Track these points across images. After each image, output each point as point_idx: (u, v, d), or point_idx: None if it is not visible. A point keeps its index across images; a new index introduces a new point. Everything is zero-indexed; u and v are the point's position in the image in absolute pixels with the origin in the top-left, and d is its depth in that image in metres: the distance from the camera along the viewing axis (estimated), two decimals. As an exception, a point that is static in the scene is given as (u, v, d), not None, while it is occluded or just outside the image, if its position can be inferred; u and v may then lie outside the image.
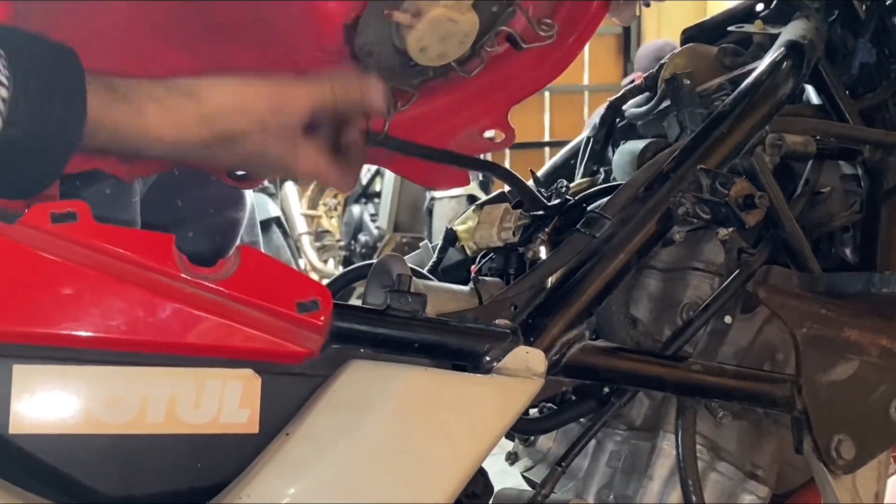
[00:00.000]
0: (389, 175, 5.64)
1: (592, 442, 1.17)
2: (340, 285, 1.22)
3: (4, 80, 0.79)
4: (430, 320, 0.91)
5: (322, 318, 0.85)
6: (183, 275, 0.83)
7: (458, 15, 1.02)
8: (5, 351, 0.80)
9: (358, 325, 0.88)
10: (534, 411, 1.14)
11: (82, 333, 0.81)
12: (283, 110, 0.96)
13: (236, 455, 0.85)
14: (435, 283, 1.09)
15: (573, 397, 1.13)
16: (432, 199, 5.47)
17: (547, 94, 6.21)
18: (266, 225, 4.82)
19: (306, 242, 6.21)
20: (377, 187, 6.23)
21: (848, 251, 1.20)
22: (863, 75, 1.27)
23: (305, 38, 1.04)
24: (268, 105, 0.95)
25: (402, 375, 0.87)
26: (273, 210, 5.15)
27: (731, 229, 1.06)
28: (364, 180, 6.24)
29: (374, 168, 6.07)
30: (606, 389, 1.08)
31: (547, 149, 5.66)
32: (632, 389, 1.04)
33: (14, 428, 0.80)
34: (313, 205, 6.53)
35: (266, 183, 5.93)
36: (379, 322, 0.89)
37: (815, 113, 1.22)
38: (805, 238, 1.06)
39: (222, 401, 0.84)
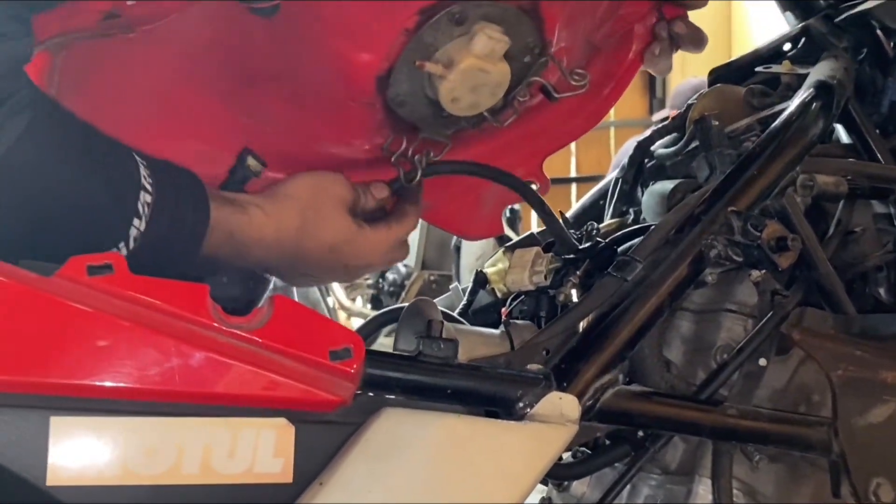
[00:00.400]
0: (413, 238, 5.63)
1: (627, 486, 1.16)
2: (371, 329, 1.22)
3: (149, 187, 0.89)
4: (462, 366, 0.91)
5: (354, 366, 0.85)
6: (216, 324, 0.83)
7: (490, 66, 1.02)
8: (43, 402, 0.80)
9: (390, 371, 0.89)
10: (567, 456, 1.13)
11: (118, 384, 0.81)
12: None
13: (271, 504, 0.85)
14: (466, 326, 1.09)
15: (607, 442, 1.13)
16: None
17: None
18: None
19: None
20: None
21: (882, 291, 1.18)
22: (893, 114, 1.27)
23: (339, 90, 1.05)
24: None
25: (435, 423, 0.87)
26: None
27: (764, 272, 1.06)
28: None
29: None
30: (641, 434, 1.07)
31: (574, 185, 5.67)
32: (667, 434, 1.03)
33: (51, 480, 0.80)
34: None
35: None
36: (411, 369, 0.89)
37: (845, 153, 1.21)
38: (839, 279, 1.05)
39: (256, 450, 0.84)
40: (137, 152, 0.91)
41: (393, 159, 1.11)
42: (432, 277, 5.69)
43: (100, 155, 0.88)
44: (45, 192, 0.85)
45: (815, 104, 1.10)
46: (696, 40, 1.28)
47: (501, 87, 1.07)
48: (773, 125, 1.10)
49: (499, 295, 1.25)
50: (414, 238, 5.85)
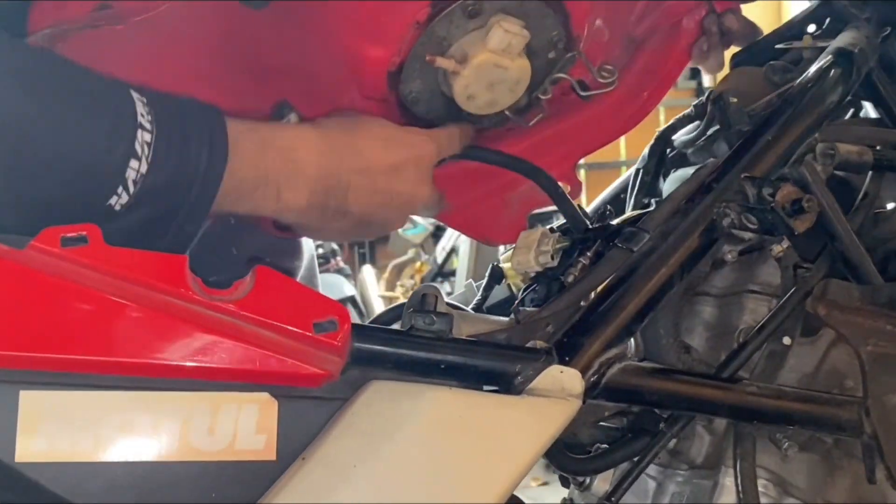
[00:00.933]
0: (464, 253, 5.63)
1: (653, 484, 1.10)
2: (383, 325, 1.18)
3: (147, 125, 0.80)
4: (456, 340, 0.86)
5: (340, 338, 0.81)
6: (196, 296, 0.80)
7: (507, 61, 0.98)
8: (12, 377, 0.77)
9: (379, 346, 0.84)
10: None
11: (92, 358, 0.78)
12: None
13: (253, 483, 0.80)
14: (470, 312, 1.04)
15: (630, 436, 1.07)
16: (506, 277, 5.43)
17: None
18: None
19: (384, 324, 6.21)
20: (453, 266, 6.23)
21: (917, 271, 1.12)
22: (922, 90, 1.20)
23: (350, 86, 1.02)
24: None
25: (426, 396, 0.83)
26: (349, 290, 5.17)
27: (785, 245, 1.00)
28: (440, 259, 6.25)
29: (449, 247, 6.08)
30: (663, 426, 1.01)
31: (623, 168, 5.59)
32: (684, 417, 0.97)
33: (20, 456, 0.77)
34: (391, 286, 6.55)
35: (342, 264, 5.98)
36: (402, 343, 0.85)
37: (873, 126, 1.15)
38: (862, 248, 0.99)
39: (237, 426, 0.81)
40: (137, 87, 0.83)
41: None
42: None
43: (80, 90, 0.81)
44: (15, 135, 0.77)
45: (833, 70, 1.05)
46: (749, 35, 1.23)
47: (521, 84, 1.02)
48: (790, 92, 1.04)
49: (514, 290, 1.20)
50: (461, 279, 5.84)
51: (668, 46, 1.22)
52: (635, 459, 1.01)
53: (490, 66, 0.97)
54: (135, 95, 0.81)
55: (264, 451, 0.81)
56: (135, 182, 0.80)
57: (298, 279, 1.53)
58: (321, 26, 0.97)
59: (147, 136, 0.80)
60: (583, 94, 1.10)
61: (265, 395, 0.81)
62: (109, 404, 0.79)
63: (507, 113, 1.06)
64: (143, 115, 0.80)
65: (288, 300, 0.82)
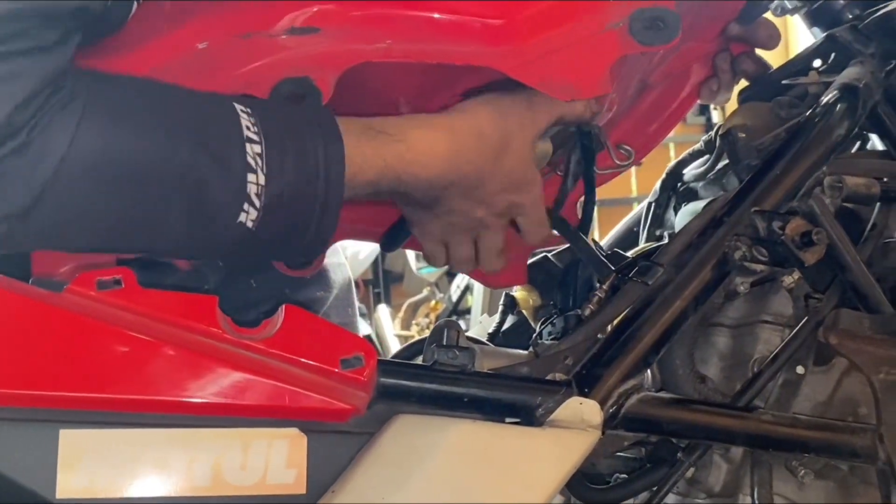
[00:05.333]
0: (478, 291, 5.64)
1: (672, 513, 1.12)
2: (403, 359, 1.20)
3: (255, 136, 0.80)
4: (478, 374, 0.89)
5: (366, 373, 0.84)
6: (227, 335, 0.83)
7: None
8: (52, 416, 0.80)
9: (405, 380, 0.87)
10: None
11: (128, 397, 0.81)
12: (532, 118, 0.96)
13: (284, 516, 0.83)
14: (491, 346, 1.06)
15: (648, 465, 1.09)
16: (522, 314, 5.43)
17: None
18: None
19: (400, 362, 6.20)
20: (468, 304, 6.23)
21: (929, 298, 1.14)
22: (929, 122, 1.23)
23: None
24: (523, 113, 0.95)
25: (451, 428, 0.85)
26: (364, 329, 5.17)
27: (797, 276, 1.02)
28: (455, 297, 6.25)
29: (463, 285, 6.08)
30: (680, 455, 1.03)
31: (635, 203, 5.60)
32: (702, 445, 0.99)
33: (61, 493, 0.80)
34: (406, 325, 6.55)
35: (357, 303, 5.99)
36: (426, 377, 0.88)
37: (880, 159, 1.18)
38: (872, 278, 1.01)
39: (268, 461, 0.83)
40: (239, 98, 0.82)
41: None
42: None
43: (181, 115, 0.80)
44: (130, 173, 0.77)
45: (839, 105, 1.08)
46: (760, 72, 1.26)
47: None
48: (797, 126, 1.07)
49: (529, 318, 1.22)
50: (476, 317, 5.82)
51: (677, 86, 1.25)
52: (654, 489, 1.03)
53: None
54: (238, 108, 0.81)
55: (294, 485, 0.83)
56: (258, 195, 0.80)
57: (328, 307, 1.54)
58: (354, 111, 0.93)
59: (257, 148, 0.80)
60: (599, 171, 1.11)
61: (295, 431, 0.84)
62: (145, 442, 0.82)
63: None
64: (248, 128, 0.80)
65: (315, 337, 0.85)
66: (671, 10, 0.90)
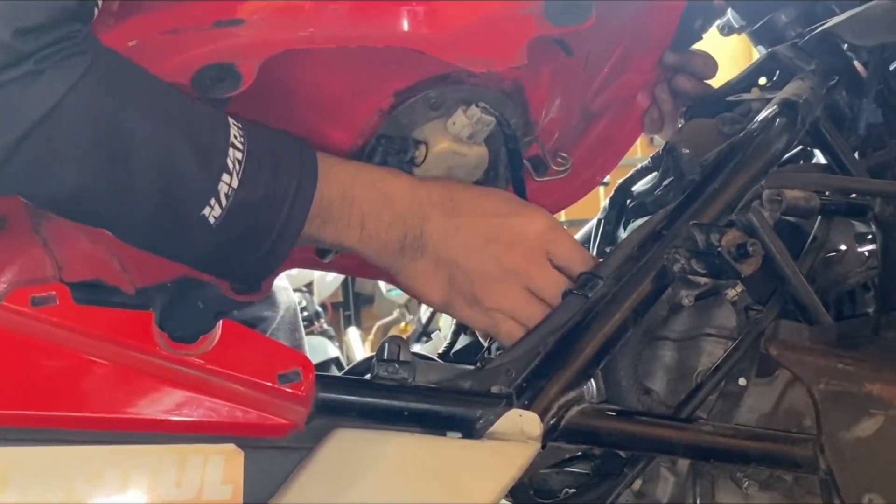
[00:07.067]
0: (447, 312, 5.63)
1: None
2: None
3: (239, 145, 0.85)
4: (418, 388, 0.89)
5: (304, 388, 0.84)
6: (163, 351, 0.83)
7: (466, 149, 1.01)
8: (-17, 434, 0.80)
9: (343, 395, 0.87)
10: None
11: (61, 414, 0.81)
12: None
13: (220, 533, 0.82)
14: (436, 361, 1.07)
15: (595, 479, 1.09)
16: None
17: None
18: (325, 366, 4.83)
19: (370, 385, 6.17)
20: (438, 325, 6.23)
21: (871, 311, 1.15)
22: (871, 136, 1.25)
23: None
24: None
25: (390, 442, 0.85)
26: (333, 352, 5.16)
27: (740, 289, 1.03)
28: (424, 319, 6.25)
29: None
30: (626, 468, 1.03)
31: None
32: (645, 458, 0.99)
33: (-8, 512, 0.79)
34: (376, 348, 6.53)
35: (326, 326, 5.98)
36: (365, 391, 0.88)
37: (819, 171, 1.19)
38: (810, 289, 1.02)
39: (204, 478, 0.83)
40: (232, 114, 0.87)
41: None
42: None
43: (176, 104, 0.84)
44: (114, 138, 0.80)
45: (778, 120, 1.09)
46: (701, 92, 1.27)
47: (479, 168, 1.05)
48: (736, 141, 1.09)
49: (479, 337, 1.23)
50: (446, 340, 5.83)
51: (621, 119, 1.27)
52: (601, 503, 1.03)
53: (449, 153, 1.01)
54: (231, 120, 0.86)
55: (231, 502, 0.83)
56: (227, 196, 0.84)
57: (274, 329, 1.54)
58: (287, 107, 0.98)
59: (238, 155, 0.84)
60: (537, 177, 1.14)
61: (231, 447, 0.84)
62: (79, 459, 0.81)
63: None
64: (235, 137, 0.85)
65: (253, 352, 0.85)
66: None
